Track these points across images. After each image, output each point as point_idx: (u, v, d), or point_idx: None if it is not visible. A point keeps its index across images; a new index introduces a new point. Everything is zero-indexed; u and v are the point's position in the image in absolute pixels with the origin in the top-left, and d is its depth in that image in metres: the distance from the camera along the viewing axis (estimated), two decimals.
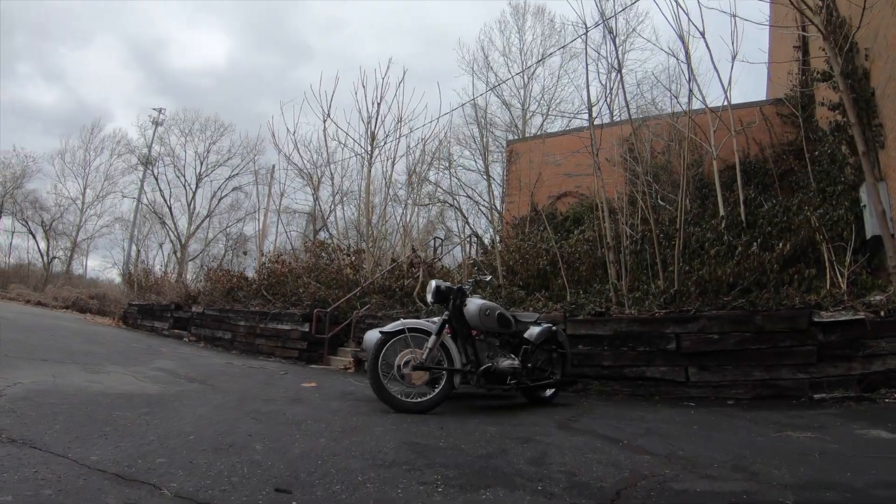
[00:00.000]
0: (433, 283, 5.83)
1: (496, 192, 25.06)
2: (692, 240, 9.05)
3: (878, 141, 7.75)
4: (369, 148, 13.61)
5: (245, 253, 28.20)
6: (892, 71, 7.24)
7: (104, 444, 3.27)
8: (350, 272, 13.41)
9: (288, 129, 18.55)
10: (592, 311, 7.81)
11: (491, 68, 29.09)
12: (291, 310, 11.93)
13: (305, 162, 15.43)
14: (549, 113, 27.22)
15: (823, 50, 9.50)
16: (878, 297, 6.35)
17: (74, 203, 41.46)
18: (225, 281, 14.97)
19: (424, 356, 5.38)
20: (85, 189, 41.79)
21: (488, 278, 6.57)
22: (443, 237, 17.86)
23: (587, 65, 10.15)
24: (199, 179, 39.36)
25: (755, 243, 8.21)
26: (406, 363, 5.38)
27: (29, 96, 57.71)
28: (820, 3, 8.61)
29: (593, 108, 10.54)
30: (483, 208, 24.07)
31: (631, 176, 11.20)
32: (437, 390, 5.39)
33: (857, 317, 6.06)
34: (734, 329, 6.45)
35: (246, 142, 38.12)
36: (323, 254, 15.33)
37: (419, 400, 5.33)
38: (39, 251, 40.78)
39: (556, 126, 25.99)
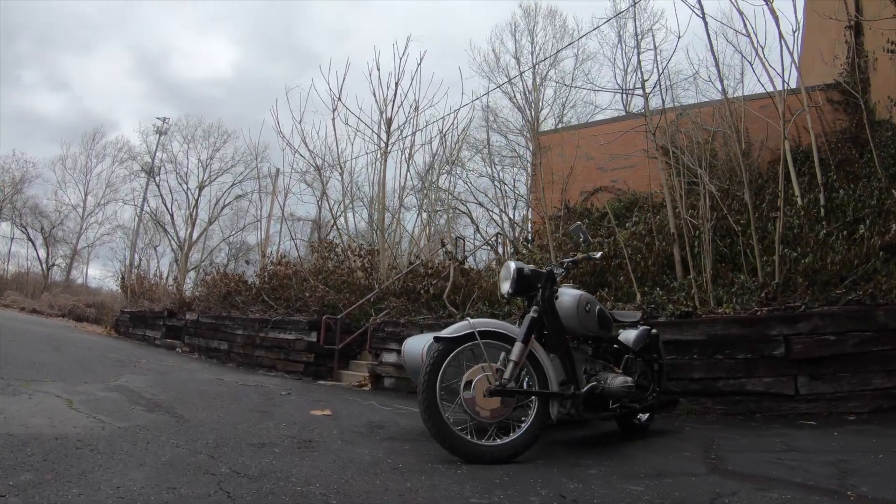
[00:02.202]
0: (512, 265, 3.68)
1: (509, 199, 23.26)
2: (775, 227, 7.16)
3: None
4: (384, 136, 11.52)
5: (248, 262, 25.88)
6: None
7: None
8: (362, 275, 11.32)
9: (294, 118, 15.85)
10: (676, 310, 5.96)
11: (503, 70, 27.04)
12: (296, 317, 9.92)
13: (314, 155, 13.25)
14: (564, 115, 25.16)
15: None
16: None
17: (75, 210, 38.62)
18: (222, 285, 12.77)
19: (508, 374, 3.26)
20: (86, 196, 38.91)
21: (598, 255, 4.37)
22: (462, 238, 15.71)
23: (637, 33, 8.11)
24: (201, 187, 36.46)
25: (862, 226, 6.53)
26: (476, 384, 3.23)
27: (34, 104, 54.78)
28: None
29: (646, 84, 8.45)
30: (494, 213, 22.04)
31: (678, 165, 9.27)
32: (524, 426, 3.29)
33: None
34: (852, 328, 4.94)
35: (250, 147, 35.03)
36: (331, 255, 13.20)
37: (500, 442, 3.21)
38: (38, 258, 37.90)
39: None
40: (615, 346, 4.23)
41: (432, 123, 15.48)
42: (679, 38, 7.52)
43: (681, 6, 7.73)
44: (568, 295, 3.81)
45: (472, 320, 3.43)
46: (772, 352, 5.14)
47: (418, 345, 4.23)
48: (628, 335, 4.42)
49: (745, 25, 8.15)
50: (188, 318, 12.22)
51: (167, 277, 23.15)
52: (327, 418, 4.54)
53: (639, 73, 8.32)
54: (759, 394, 5.11)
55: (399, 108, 11.42)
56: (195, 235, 35.12)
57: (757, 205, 8.23)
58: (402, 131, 11.75)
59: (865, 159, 8.89)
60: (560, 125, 22.67)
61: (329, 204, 13.74)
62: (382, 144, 11.61)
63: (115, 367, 6.81)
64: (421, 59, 11.36)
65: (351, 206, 15.52)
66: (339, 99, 11.38)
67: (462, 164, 17.45)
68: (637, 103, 24.34)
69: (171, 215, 36.23)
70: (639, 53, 8.06)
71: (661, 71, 8.42)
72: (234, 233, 36.13)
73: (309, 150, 13.88)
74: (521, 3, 32.56)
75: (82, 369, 6.23)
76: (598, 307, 3.98)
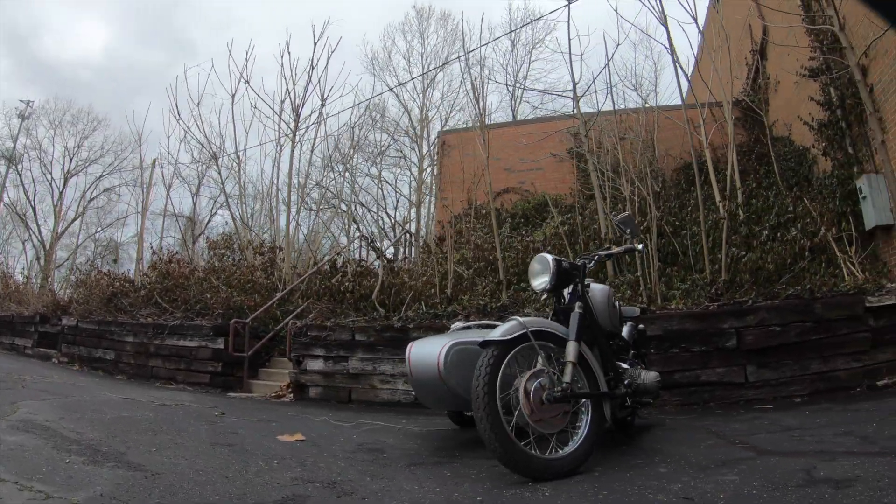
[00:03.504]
0: (549, 257, 3.27)
1: (389, 201, 22.81)
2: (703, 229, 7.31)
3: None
4: (293, 124, 10.47)
5: (115, 261, 23.08)
6: None
7: None
8: (261, 275, 10.27)
9: (191, 98, 13.76)
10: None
11: (392, 71, 26.51)
12: (198, 321, 8.74)
13: (209, 140, 11.89)
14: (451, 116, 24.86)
15: (813, 48, 8.25)
16: (890, 285, 5.73)
17: None
18: (105, 285, 11.07)
19: (568, 377, 2.85)
20: None
21: (640, 247, 3.94)
22: (369, 237, 14.88)
23: (570, 35, 7.87)
24: (67, 178, 32.05)
25: (794, 229, 7.06)
26: (534, 392, 2.81)
27: None
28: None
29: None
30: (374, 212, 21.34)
31: (601, 168, 9.19)
32: (582, 432, 2.92)
33: None
34: (794, 319, 5.27)
35: (123, 136, 30.65)
36: (227, 252, 11.92)
37: (562, 454, 2.83)
38: None
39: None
40: (619, 342, 3.99)
41: (334, 116, 14.50)
42: (618, 44, 7.40)
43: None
44: (599, 290, 3.59)
45: (521, 319, 2.96)
46: (725, 343, 5.31)
47: (430, 351, 3.58)
48: (622, 331, 4.19)
49: (670, 43, 8.25)
50: (65, 324, 10.42)
51: (37, 277, 20.01)
52: (307, 445, 3.77)
53: (570, 76, 8.04)
54: (713, 384, 5.28)
55: (312, 92, 10.49)
56: (59, 230, 30.82)
57: (682, 207, 8.35)
58: (322, 113, 10.81)
59: (764, 171, 9.51)
60: (447, 127, 22.35)
61: (226, 198, 12.37)
62: (290, 132, 10.56)
63: (4, 391, 5.43)
64: (334, 48, 10.55)
65: (243, 199, 14.24)
66: (246, 80, 10.22)
67: (352, 164, 16.65)
68: (525, 110, 24.88)
69: (34, 208, 31.50)
70: (570, 59, 7.75)
71: (600, 75, 8.20)
72: (101, 228, 32.08)
73: (206, 136, 12.38)
74: (416, 5, 31.92)
75: None
76: (617, 301, 3.83)
